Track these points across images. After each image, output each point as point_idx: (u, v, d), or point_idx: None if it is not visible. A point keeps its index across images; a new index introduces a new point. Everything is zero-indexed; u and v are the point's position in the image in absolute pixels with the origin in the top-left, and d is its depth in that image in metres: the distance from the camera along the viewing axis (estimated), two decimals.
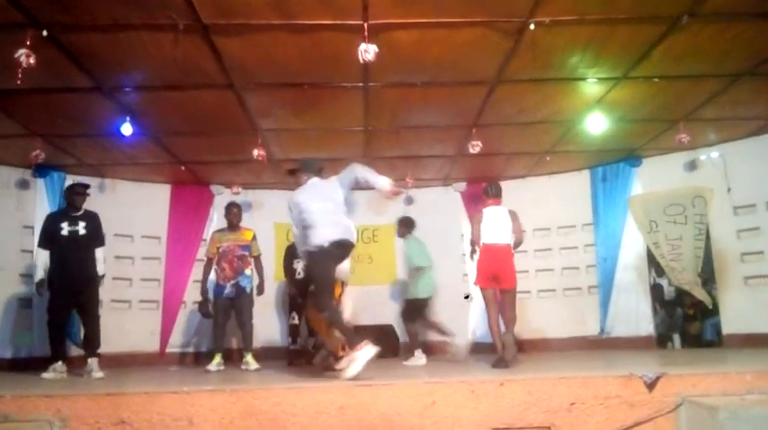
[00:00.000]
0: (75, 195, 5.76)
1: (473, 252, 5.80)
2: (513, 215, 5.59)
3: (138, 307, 8.06)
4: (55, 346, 5.59)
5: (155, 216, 8.36)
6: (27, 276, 7.43)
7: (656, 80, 5.71)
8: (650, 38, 4.93)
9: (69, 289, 5.56)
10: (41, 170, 7.51)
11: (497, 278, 5.45)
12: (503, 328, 5.38)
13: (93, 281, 5.72)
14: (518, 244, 5.67)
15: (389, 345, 8.00)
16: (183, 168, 7.92)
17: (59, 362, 5.44)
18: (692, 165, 7.75)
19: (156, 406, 3.41)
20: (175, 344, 8.37)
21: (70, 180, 7.70)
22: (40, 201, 7.58)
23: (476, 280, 5.62)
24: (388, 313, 8.17)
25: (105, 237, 6.04)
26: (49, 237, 5.65)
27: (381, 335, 7.88)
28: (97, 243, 5.79)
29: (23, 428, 3.30)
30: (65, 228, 5.63)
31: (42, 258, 5.65)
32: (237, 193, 8.54)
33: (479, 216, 5.65)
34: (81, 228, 5.67)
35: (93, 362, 5.52)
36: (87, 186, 5.90)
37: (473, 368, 5.46)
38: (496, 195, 5.72)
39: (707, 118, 6.69)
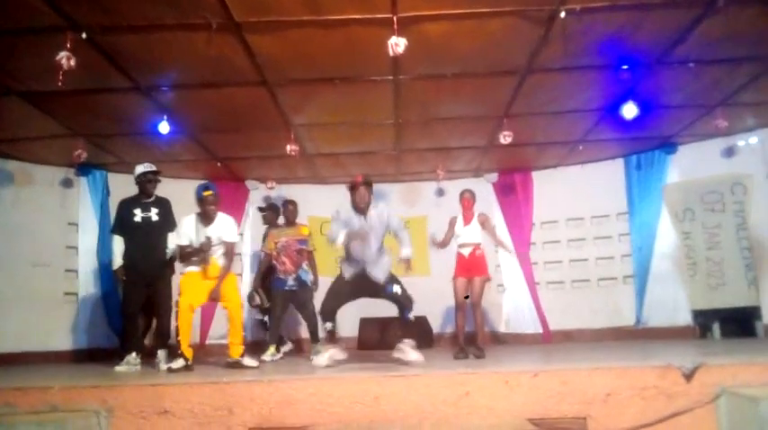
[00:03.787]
0: (147, 182, 5.59)
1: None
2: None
3: None
4: (128, 337, 5.54)
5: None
6: (72, 271, 7.74)
7: (691, 65, 5.57)
8: (685, 22, 4.81)
9: (142, 277, 5.45)
10: (84, 169, 7.77)
11: None
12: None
13: (165, 270, 5.59)
14: None
15: (424, 336, 8.02)
16: (218, 164, 8.08)
17: (133, 354, 5.29)
18: (729, 152, 7.51)
19: (197, 396, 3.52)
20: (215, 336, 8.53)
21: (112, 178, 7.97)
22: (83, 199, 7.89)
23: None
24: (421, 304, 8.18)
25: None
26: (123, 223, 5.54)
27: (415, 326, 7.92)
28: (170, 228, 5.60)
29: (70, 418, 3.41)
30: (138, 215, 5.50)
31: (118, 245, 5.53)
32: (272, 188, 8.65)
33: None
34: (154, 214, 5.54)
35: (162, 354, 5.42)
36: (158, 172, 5.71)
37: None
38: None
39: (745, 102, 6.51)
